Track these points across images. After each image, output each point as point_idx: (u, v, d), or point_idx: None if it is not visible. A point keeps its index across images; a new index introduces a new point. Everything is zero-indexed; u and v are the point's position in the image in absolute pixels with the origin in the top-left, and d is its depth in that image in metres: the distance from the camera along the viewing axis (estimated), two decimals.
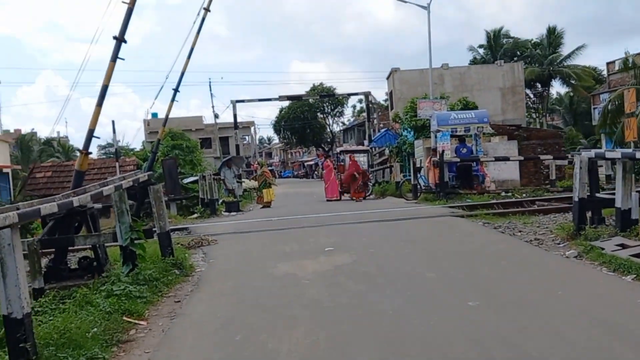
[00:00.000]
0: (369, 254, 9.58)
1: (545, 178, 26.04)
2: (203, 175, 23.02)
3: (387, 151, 39.07)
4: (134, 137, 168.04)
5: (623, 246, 8.14)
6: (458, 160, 19.95)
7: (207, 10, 21.55)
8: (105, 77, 12.15)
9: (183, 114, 70.74)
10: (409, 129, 30.32)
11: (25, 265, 8.34)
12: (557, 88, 57.75)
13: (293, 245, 10.89)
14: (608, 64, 47.44)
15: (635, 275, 6.91)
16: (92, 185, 8.74)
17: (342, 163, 26.80)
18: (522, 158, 22.78)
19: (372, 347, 5.03)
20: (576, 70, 50.45)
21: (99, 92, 12.34)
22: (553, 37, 53.13)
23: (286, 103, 69.11)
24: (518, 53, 54.96)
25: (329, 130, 77.51)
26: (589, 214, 9.97)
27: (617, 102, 27.63)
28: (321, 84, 69.63)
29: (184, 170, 29.22)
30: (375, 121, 54.02)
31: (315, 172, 76.61)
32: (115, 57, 12.24)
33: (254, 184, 28.24)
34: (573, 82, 51.29)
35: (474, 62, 53.19)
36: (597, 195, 10.24)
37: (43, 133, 57.94)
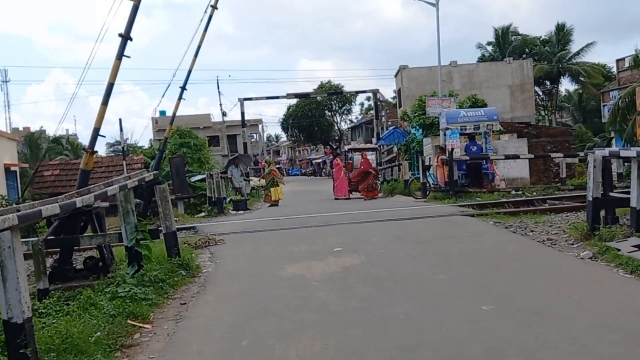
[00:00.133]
0: (379, 254, 9.41)
1: (555, 176, 25.81)
2: (210, 174, 22.91)
3: (395, 149, 38.92)
4: (141, 135, 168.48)
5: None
6: (467, 158, 19.74)
7: (214, 7, 21.37)
8: (110, 75, 11.99)
9: (191, 112, 70.63)
10: (417, 127, 30.13)
11: (30, 266, 8.28)
12: (566, 85, 57.51)
13: (301, 245, 10.73)
14: (618, 61, 47.11)
15: None
16: (97, 185, 8.60)
17: (351, 161, 26.62)
18: (532, 156, 22.54)
19: (384, 354, 4.87)
20: (585, 68, 50.00)
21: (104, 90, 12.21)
22: (562, 34, 52.70)
23: (294, 101, 69.08)
24: (527, 50, 54.65)
25: (336, 128, 77.42)
26: (602, 214, 9.76)
27: (627, 99, 27.39)
28: (329, 81, 69.58)
29: (191, 169, 29.10)
30: (383, 119, 53.82)
31: (323, 170, 76.57)
32: (121, 55, 12.07)
33: (262, 182, 28.11)
34: (582, 79, 50.87)
35: (482, 59, 52.87)
36: (611, 194, 10.02)
37: (52, 131, 58.03)
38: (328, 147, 77.79)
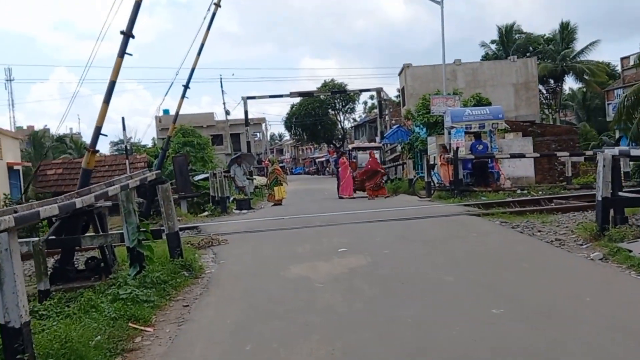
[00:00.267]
0: (384, 255, 9.26)
1: (560, 175, 25.65)
2: (214, 173, 22.79)
3: (399, 148, 38.73)
4: (144, 134, 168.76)
5: None
6: (472, 157, 19.57)
7: (217, 5, 21.28)
8: (112, 73, 11.88)
9: (194, 111, 70.38)
10: (421, 126, 29.95)
11: (30, 267, 8.17)
12: (570, 84, 57.13)
13: (305, 245, 10.59)
14: (622, 59, 46.69)
15: None
16: (98, 185, 8.48)
17: (355, 160, 26.41)
18: (538, 155, 22.34)
19: (391, 358, 4.73)
20: (590, 66, 49.70)
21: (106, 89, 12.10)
22: (566, 32, 52.40)
23: (297, 99, 68.97)
24: (530, 49, 54.40)
25: (340, 126, 77.24)
26: (610, 213, 9.59)
27: (632, 98, 27.14)
28: (332, 80, 69.49)
29: (195, 168, 29.03)
30: (387, 117, 53.60)
31: (327, 169, 76.36)
32: (122, 52, 11.96)
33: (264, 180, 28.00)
34: (586, 77, 50.50)
35: (486, 57, 52.65)
36: (620, 194, 9.85)
37: (56, 130, 57.94)
38: (331, 145, 77.60)
